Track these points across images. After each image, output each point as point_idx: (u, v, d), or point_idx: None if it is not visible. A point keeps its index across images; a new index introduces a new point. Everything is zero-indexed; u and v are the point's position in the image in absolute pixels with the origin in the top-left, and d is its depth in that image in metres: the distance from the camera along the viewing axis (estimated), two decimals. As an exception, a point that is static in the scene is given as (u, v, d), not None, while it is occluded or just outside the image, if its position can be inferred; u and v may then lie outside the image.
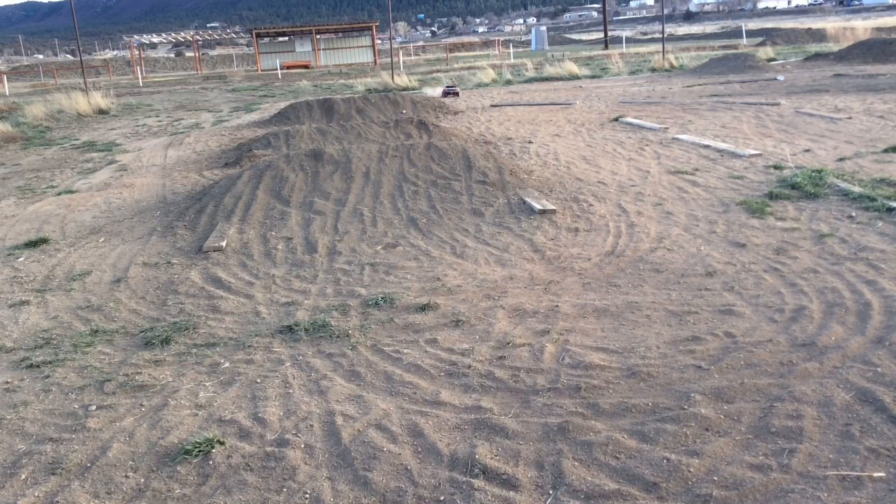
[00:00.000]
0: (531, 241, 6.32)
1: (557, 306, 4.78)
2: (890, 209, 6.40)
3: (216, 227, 7.06)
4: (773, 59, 25.46)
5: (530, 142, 11.29)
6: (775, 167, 8.43)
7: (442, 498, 2.89)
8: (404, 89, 23.05)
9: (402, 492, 2.94)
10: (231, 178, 8.40)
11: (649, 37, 59.67)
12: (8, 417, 3.73)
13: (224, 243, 6.59)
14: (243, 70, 48.67)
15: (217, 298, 5.36)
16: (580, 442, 3.19)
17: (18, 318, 5.18)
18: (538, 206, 7.06)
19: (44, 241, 7.20)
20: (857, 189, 7.11)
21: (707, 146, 10.02)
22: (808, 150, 9.34)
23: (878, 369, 3.64)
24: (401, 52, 44.97)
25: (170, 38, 60.00)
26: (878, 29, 37.83)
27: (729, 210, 6.88)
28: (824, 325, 4.21)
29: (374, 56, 48.56)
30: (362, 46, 50.09)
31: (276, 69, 42.34)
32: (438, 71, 32.02)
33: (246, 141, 12.57)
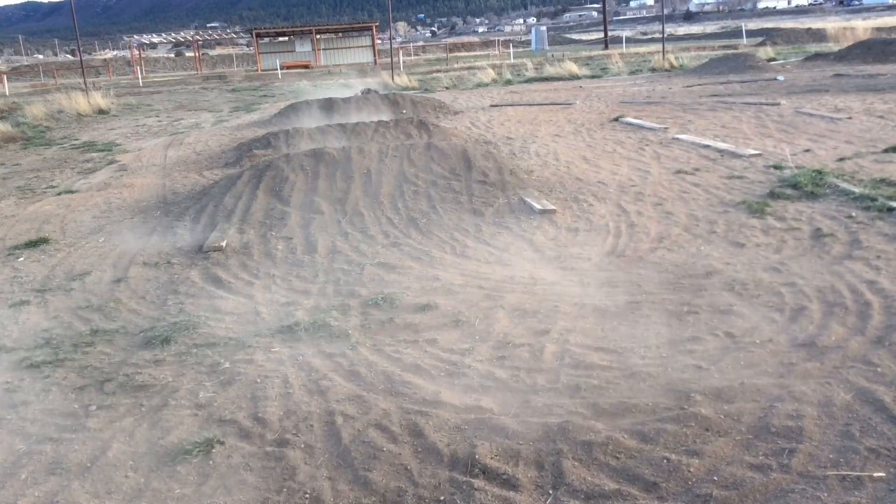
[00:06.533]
0: (531, 241, 6.32)
1: (557, 306, 4.77)
2: (890, 209, 6.40)
3: (216, 227, 7.07)
4: (773, 59, 25.43)
5: (532, 142, 11.29)
6: (775, 167, 8.43)
7: (442, 498, 2.89)
8: (405, 89, 23.06)
9: (402, 492, 2.93)
10: (231, 178, 8.40)
11: (649, 37, 59.62)
12: (8, 417, 3.73)
13: (224, 243, 6.59)
14: (243, 70, 48.65)
15: (217, 298, 5.37)
16: (580, 442, 3.19)
17: (18, 318, 5.18)
18: (538, 206, 7.06)
19: (44, 241, 7.20)
20: (857, 189, 7.11)
21: (707, 146, 10.01)
22: (808, 150, 9.34)
23: (878, 369, 3.64)
24: (401, 52, 44.87)
25: (170, 38, 59.98)
26: (878, 29, 37.77)
27: (729, 210, 6.88)
28: (824, 325, 4.21)
29: (374, 56, 48.54)
30: (362, 46, 50.08)
31: (276, 69, 42.31)
32: (438, 71, 32.01)
33: (246, 141, 12.56)
